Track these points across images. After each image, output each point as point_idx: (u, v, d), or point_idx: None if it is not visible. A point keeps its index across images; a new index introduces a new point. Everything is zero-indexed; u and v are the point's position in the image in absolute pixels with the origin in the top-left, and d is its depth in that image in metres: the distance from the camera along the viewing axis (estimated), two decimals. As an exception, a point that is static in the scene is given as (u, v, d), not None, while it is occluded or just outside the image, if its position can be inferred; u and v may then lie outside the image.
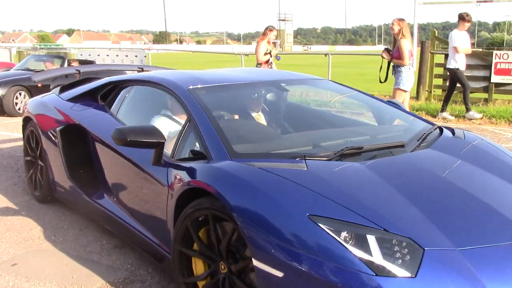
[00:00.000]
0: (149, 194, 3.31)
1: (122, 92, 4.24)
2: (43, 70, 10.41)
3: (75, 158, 4.19)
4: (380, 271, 2.04)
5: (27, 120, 5.07)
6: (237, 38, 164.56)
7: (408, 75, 7.61)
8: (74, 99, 4.69)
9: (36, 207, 4.65)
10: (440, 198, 2.58)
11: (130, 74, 4.77)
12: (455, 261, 2.11)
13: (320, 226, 2.20)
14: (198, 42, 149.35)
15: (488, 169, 2.96)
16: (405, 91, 7.67)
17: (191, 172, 2.86)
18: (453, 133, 3.55)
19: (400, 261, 2.08)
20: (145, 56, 16.23)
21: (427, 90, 11.77)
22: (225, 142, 2.98)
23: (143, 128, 3.07)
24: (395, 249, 2.12)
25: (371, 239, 2.14)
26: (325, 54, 12.87)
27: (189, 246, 2.78)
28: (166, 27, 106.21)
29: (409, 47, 7.58)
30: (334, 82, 4.51)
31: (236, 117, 3.85)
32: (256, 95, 4.09)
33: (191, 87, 3.53)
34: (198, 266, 2.81)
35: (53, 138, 4.39)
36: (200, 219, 2.72)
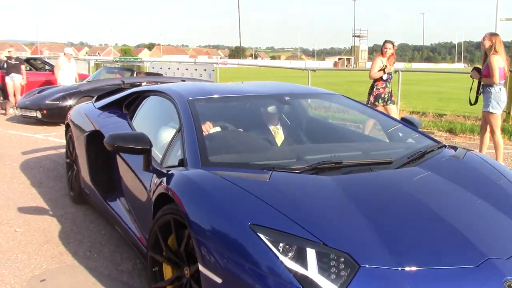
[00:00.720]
0: (141, 199, 3.46)
1: (142, 102, 4.46)
2: (92, 80, 10.82)
3: (97, 162, 4.39)
4: (310, 285, 2.04)
5: (67, 127, 5.44)
6: (311, 54, 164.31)
7: (499, 96, 6.69)
8: (103, 108, 5.01)
9: (80, 220, 4.61)
10: (401, 217, 2.51)
11: (153, 85, 4.93)
12: (392, 280, 2.07)
13: (259, 236, 2.22)
14: (273, 58, 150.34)
15: (473, 191, 2.86)
16: (495, 113, 6.73)
17: (166, 178, 2.92)
18: (455, 152, 3.45)
19: (334, 276, 2.08)
20: (213, 70, 16.30)
21: (505, 111, 10.89)
22: (202, 151, 3.07)
23: (131, 135, 3.32)
24: (332, 264, 2.11)
25: (310, 252, 2.15)
26: (395, 71, 12.28)
27: (160, 251, 2.85)
28: (240, 42, 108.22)
29: (501, 64, 6.67)
30: (346, 97, 4.35)
31: (236, 127, 3.87)
32: (273, 107, 4.09)
33: (190, 98, 3.64)
34: (167, 272, 2.88)
35: (82, 143, 4.60)
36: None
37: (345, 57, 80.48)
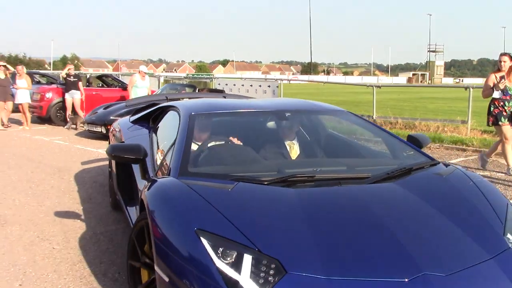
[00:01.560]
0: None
1: (164, 116, 4.70)
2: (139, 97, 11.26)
3: (121, 172, 4.66)
4: None
5: (108, 138, 6.03)
6: (385, 70, 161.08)
7: None
8: (135, 121, 5.42)
9: (118, 239, 4.56)
10: (349, 229, 2.58)
11: (175, 101, 5.22)
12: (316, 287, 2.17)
13: (201, 240, 2.39)
14: (345, 73, 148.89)
15: (441, 209, 2.85)
16: None
17: (149, 185, 3.08)
18: (443, 170, 3.45)
19: (262, 280, 2.21)
20: (277, 87, 16.22)
21: None
22: (183, 161, 3.26)
23: (128, 146, 3.63)
24: (263, 269, 2.26)
25: (247, 258, 2.29)
26: (465, 88, 11.61)
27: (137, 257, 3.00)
28: (311, 58, 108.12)
29: None
30: (354, 114, 4.43)
31: (236, 141, 3.96)
32: (272, 122, 4.30)
33: (193, 113, 3.88)
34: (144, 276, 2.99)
35: None
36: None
37: (420, 73, 77.78)
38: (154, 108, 5.21)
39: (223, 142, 3.91)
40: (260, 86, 16.91)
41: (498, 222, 2.80)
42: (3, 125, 13.26)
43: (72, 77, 13.77)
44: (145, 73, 13.45)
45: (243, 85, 17.59)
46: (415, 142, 3.95)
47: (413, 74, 78.33)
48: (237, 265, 2.27)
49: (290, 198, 2.81)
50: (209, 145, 3.84)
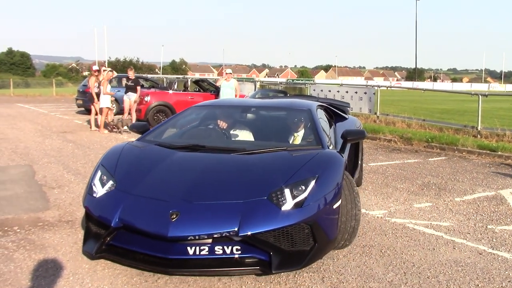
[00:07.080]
0: None
1: None
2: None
3: None
4: (93, 192, 4.19)
5: None
6: (498, 76, 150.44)
7: None
8: None
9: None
10: (175, 174, 4.22)
11: None
12: (119, 199, 3.97)
13: (98, 170, 4.40)
14: (454, 80, 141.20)
15: (252, 171, 4.12)
16: None
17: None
18: (305, 152, 4.48)
19: (105, 191, 4.15)
20: (374, 93, 15.50)
21: None
22: (150, 133, 5.24)
23: (138, 124, 5.46)
24: (109, 187, 4.15)
25: (109, 182, 4.20)
26: None
27: None
28: (416, 63, 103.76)
29: None
30: (313, 114, 5.37)
31: (225, 125, 5.54)
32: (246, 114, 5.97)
33: (196, 105, 6.04)
34: None
35: None
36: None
37: None
38: None
39: (204, 126, 5.60)
40: (356, 92, 16.29)
41: (282, 183, 3.83)
42: (96, 126, 13.93)
43: (130, 81, 14.43)
44: (230, 74, 13.62)
45: (338, 91, 17.05)
46: (343, 136, 5.16)
47: (530, 81, 72.17)
48: (104, 184, 4.18)
49: (170, 157, 4.46)
50: (193, 127, 5.66)
